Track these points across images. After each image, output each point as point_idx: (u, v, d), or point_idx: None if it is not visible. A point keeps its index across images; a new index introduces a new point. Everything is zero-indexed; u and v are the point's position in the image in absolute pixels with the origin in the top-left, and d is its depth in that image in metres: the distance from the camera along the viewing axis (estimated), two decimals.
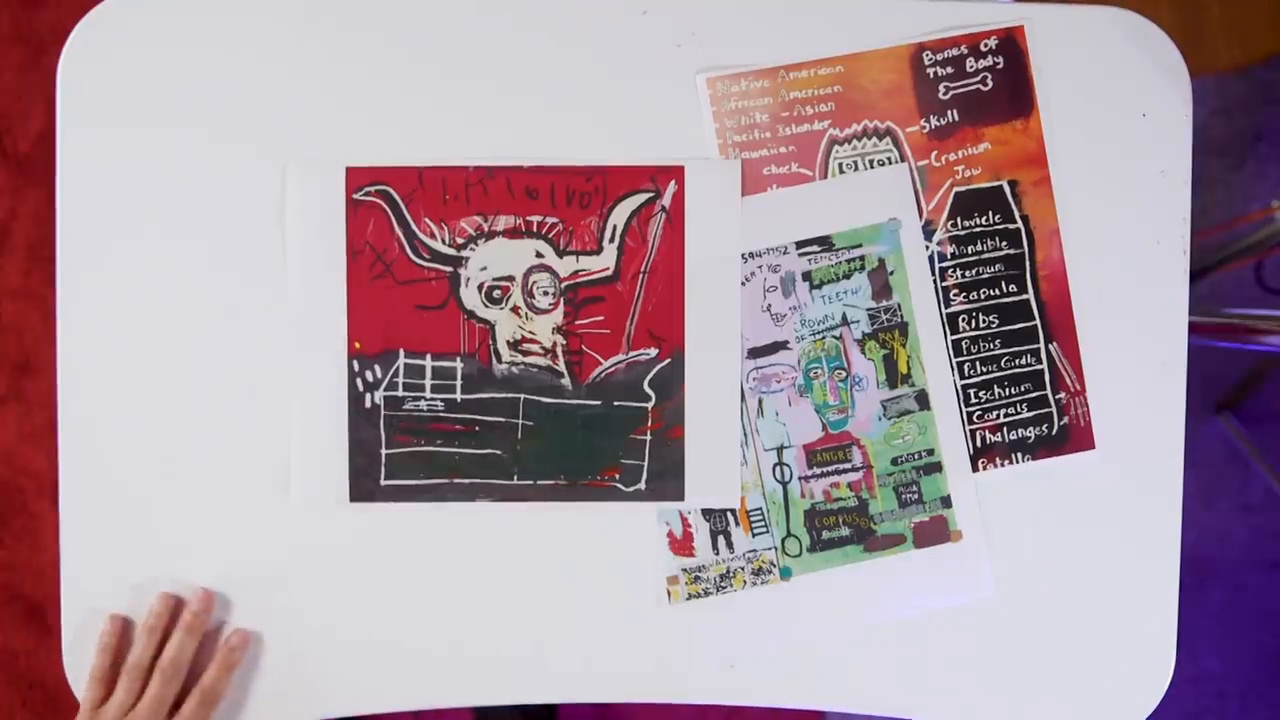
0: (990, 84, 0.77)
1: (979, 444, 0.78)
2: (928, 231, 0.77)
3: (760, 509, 0.78)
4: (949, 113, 0.77)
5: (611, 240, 0.76)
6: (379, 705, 0.78)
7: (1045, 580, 0.78)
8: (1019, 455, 0.78)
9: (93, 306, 0.76)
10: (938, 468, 0.78)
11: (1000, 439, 0.78)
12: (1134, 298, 0.77)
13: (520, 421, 0.77)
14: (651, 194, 0.76)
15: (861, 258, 0.77)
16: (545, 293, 0.76)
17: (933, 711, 0.79)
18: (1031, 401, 0.78)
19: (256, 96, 0.75)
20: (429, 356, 0.76)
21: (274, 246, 0.75)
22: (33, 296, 1.48)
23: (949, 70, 0.76)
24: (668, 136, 0.76)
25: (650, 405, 0.77)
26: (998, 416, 0.78)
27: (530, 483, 0.77)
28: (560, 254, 0.76)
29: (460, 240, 0.76)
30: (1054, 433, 0.78)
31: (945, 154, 0.77)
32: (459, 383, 0.76)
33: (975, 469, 0.78)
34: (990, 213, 0.77)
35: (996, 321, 0.78)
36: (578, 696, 0.79)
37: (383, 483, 0.77)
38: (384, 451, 0.76)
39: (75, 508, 0.77)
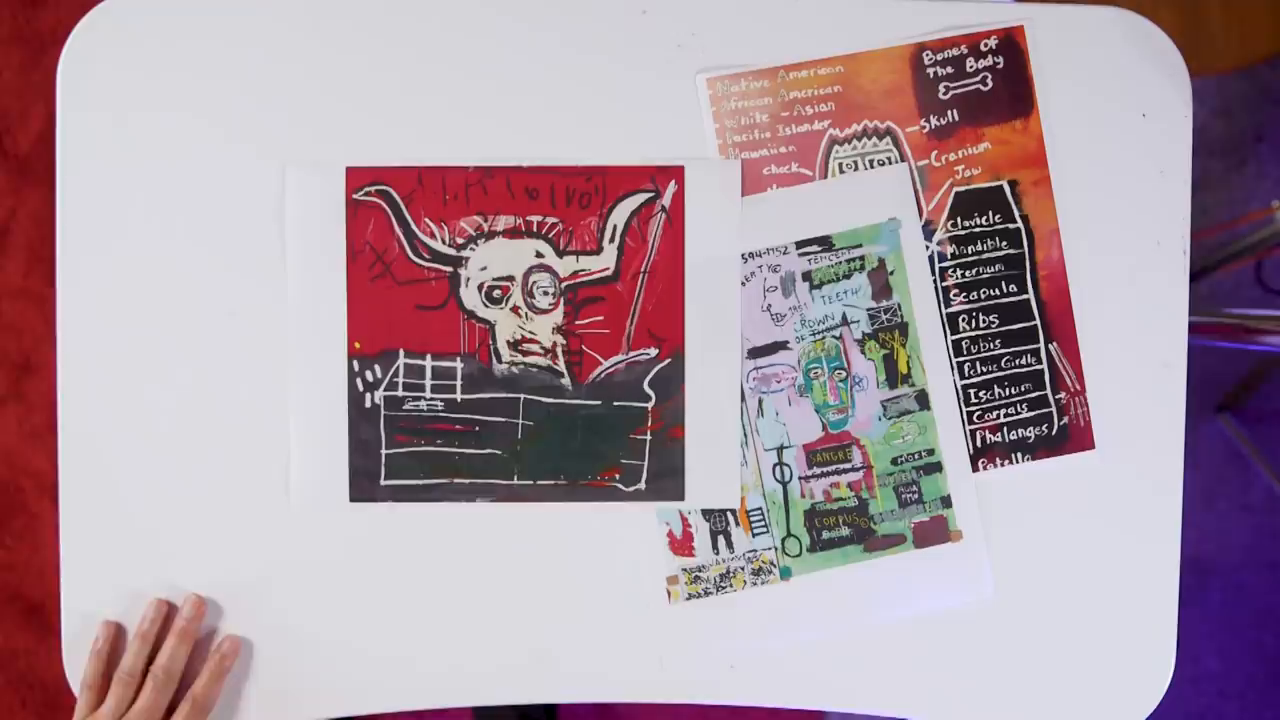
0: (990, 84, 0.77)
1: (979, 444, 0.78)
2: (928, 231, 0.77)
3: (760, 509, 0.78)
4: (949, 113, 0.77)
5: (611, 240, 0.76)
6: (379, 705, 0.78)
7: (1045, 580, 0.78)
8: (1019, 455, 0.78)
9: (93, 306, 0.76)
10: (938, 468, 0.78)
11: (1000, 439, 0.78)
12: (1134, 298, 0.77)
13: (520, 421, 0.77)
14: (651, 194, 0.76)
15: (861, 258, 0.77)
16: (545, 293, 0.76)
17: (933, 711, 0.79)
18: (1031, 401, 0.78)
19: (256, 96, 0.75)
20: (429, 356, 0.76)
21: (274, 246, 0.75)
22: (33, 296, 1.48)
23: (949, 70, 0.76)
24: (668, 136, 0.76)
25: (650, 405, 0.77)
26: (998, 416, 0.78)
27: (530, 483, 0.77)
28: (560, 254, 0.76)
29: (460, 240, 0.76)
30: (1054, 433, 0.78)
31: (945, 154, 0.77)
32: (459, 383, 0.76)
33: (975, 469, 0.78)
34: (990, 213, 0.77)
35: (996, 321, 0.78)
36: (578, 696, 0.79)
37: (383, 483, 0.77)
38: (384, 451, 0.76)
39: (75, 508, 0.77)
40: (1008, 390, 0.78)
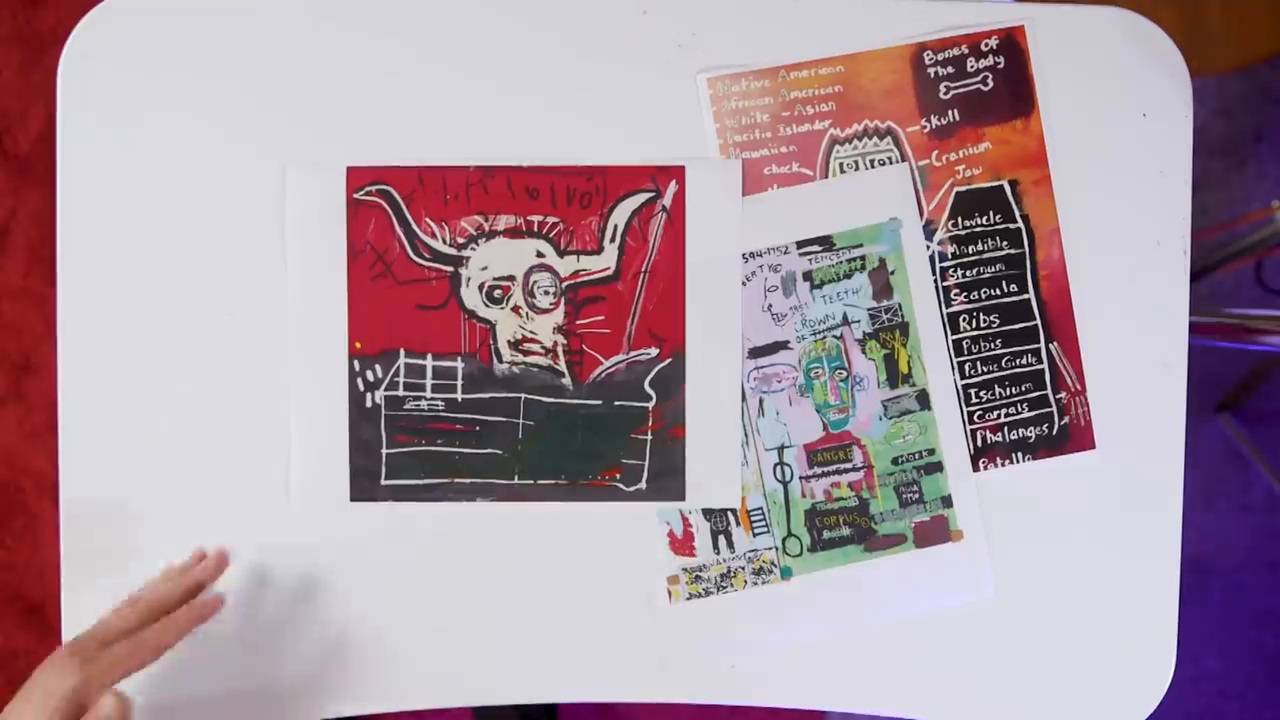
0: (991, 84, 0.77)
1: (979, 444, 0.78)
2: (928, 231, 0.77)
3: (761, 509, 0.78)
4: (950, 112, 0.77)
5: (612, 240, 0.76)
6: (379, 705, 0.78)
7: (1045, 580, 0.78)
8: (1019, 455, 0.78)
9: (93, 306, 0.76)
10: (938, 467, 0.78)
11: (1001, 439, 0.78)
12: (1134, 298, 0.77)
13: (521, 421, 0.77)
14: (652, 194, 0.76)
15: (862, 257, 0.77)
16: (546, 292, 0.76)
17: (933, 711, 0.79)
18: (1032, 401, 0.78)
19: (257, 96, 0.75)
20: (430, 356, 0.76)
21: (274, 246, 0.75)
22: (33, 296, 1.48)
23: (950, 70, 0.76)
24: (668, 136, 0.76)
25: (651, 405, 0.77)
26: (998, 416, 0.78)
27: (531, 482, 0.77)
28: (561, 254, 0.76)
29: (461, 240, 0.76)
30: (1054, 432, 0.78)
31: (946, 154, 0.77)
32: (460, 382, 0.76)
33: (976, 469, 0.78)
34: (991, 212, 0.77)
35: (997, 321, 0.78)
36: (578, 696, 0.79)
37: (383, 482, 0.77)
38: (384, 451, 0.76)
39: (75, 508, 0.76)
40: (1008, 390, 0.78)
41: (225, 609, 0.76)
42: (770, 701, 0.79)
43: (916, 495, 0.78)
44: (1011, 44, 0.77)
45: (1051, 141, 0.77)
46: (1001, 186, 0.77)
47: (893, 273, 0.77)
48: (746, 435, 0.77)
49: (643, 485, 0.77)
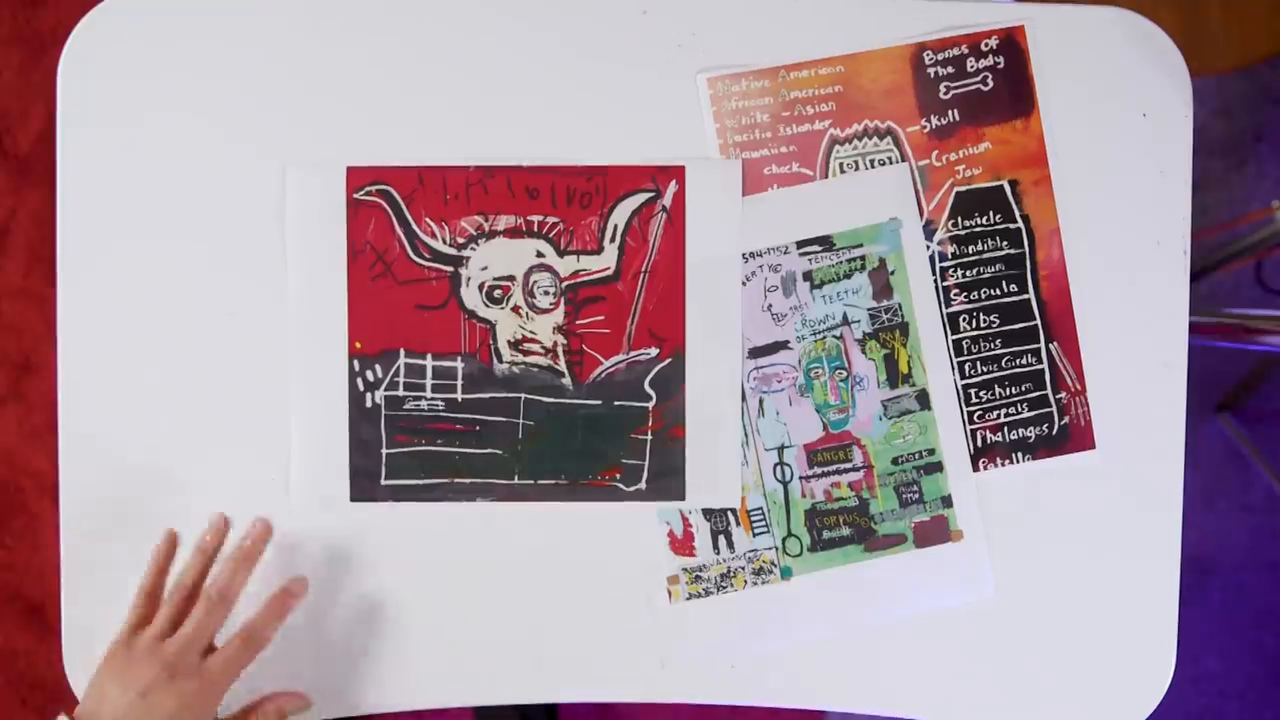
0: (991, 84, 0.77)
1: (979, 444, 0.78)
2: (928, 231, 0.77)
3: (761, 509, 0.78)
4: (950, 112, 0.77)
5: (612, 240, 0.76)
6: (379, 705, 0.78)
7: (1045, 580, 0.78)
8: (1019, 455, 0.78)
9: (93, 306, 0.76)
10: (938, 467, 0.78)
11: (1001, 439, 0.78)
12: (1134, 298, 0.77)
13: (521, 421, 0.77)
14: (652, 194, 0.76)
15: (862, 257, 0.77)
16: (546, 292, 0.76)
17: (933, 711, 0.79)
18: (1032, 401, 0.78)
19: (257, 96, 0.75)
20: (430, 356, 0.76)
21: (274, 246, 0.75)
22: (33, 296, 1.48)
23: (950, 70, 0.76)
24: (668, 136, 0.76)
25: (651, 405, 0.77)
26: (998, 416, 0.78)
27: (531, 483, 0.77)
28: (561, 254, 0.76)
29: (461, 240, 0.76)
30: (1054, 433, 0.78)
31: (946, 154, 0.77)
32: (460, 382, 0.76)
33: (976, 469, 0.78)
34: (991, 212, 0.77)
35: (997, 321, 0.78)
36: (578, 696, 0.79)
37: (383, 483, 0.77)
38: (384, 451, 0.76)
39: (75, 508, 0.76)
40: (1008, 390, 0.78)
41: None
42: (770, 701, 0.79)
43: (916, 495, 0.78)
44: (1011, 44, 0.77)
45: (1051, 141, 0.77)
46: (1001, 186, 0.77)
47: (893, 273, 0.77)
48: (746, 435, 0.77)
49: (643, 485, 0.77)
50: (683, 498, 0.77)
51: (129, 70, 0.75)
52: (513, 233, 0.76)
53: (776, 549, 0.78)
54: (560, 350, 0.76)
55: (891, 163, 0.77)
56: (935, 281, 0.77)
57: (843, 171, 0.76)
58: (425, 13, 0.75)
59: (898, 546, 0.78)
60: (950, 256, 0.77)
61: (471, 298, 0.76)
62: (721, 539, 0.78)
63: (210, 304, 0.76)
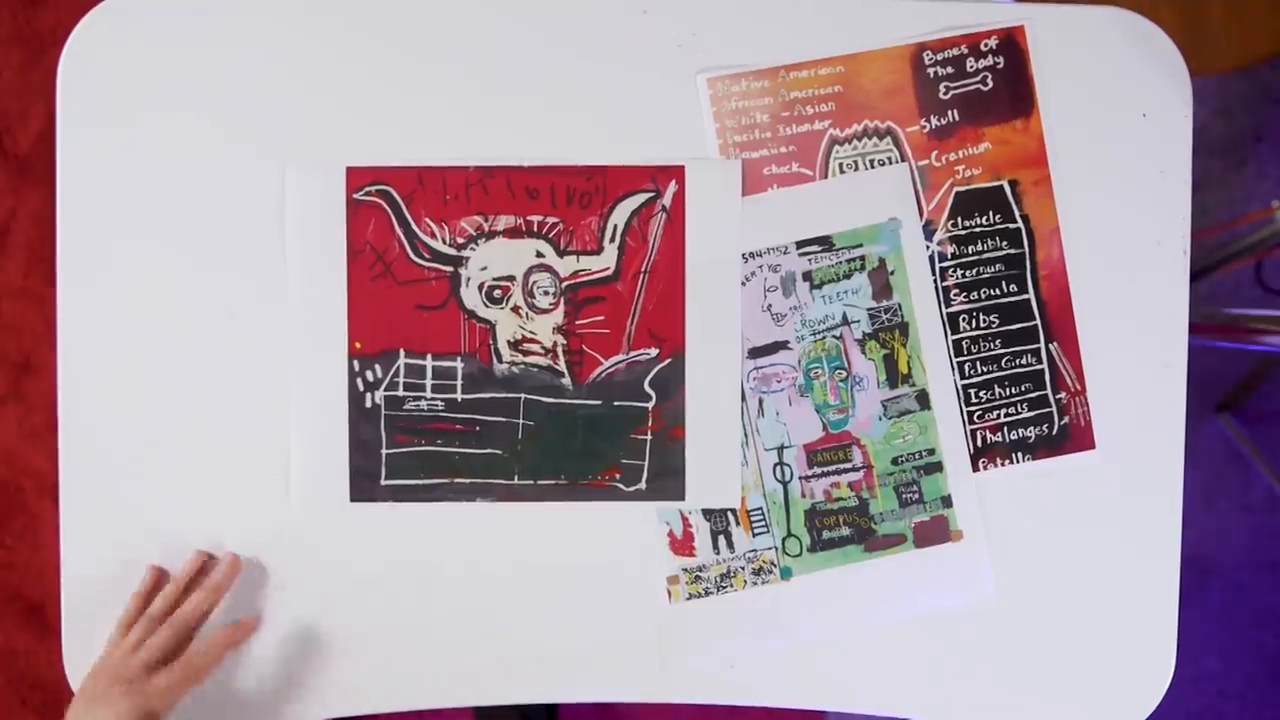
0: (990, 84, 0.77)
1: (979, 444, 0.78)
2: (928, 231, 0.77)
3: (761, 509, 0.78)
4: (949, 112, 0.77)
5: (612, 240, 0.76)
6: (379, 705, 0.78)
7: (1045, 580, 0.78)
8: (1019, 455, 0.78)
9: (93, 306, 0.76)
10: (938, 467, 0.78)
11: (1000, 439, 0.78)
12: (1134, 298, 0.77)
13: (521, 421, 0.77)
14: (652, 194, 0.76)
15: (862, 257, 0.77)
16: (546, 292, 0.76)
17: (933, 711, 0.79)
18: (1032, 401, 0.78)
19: (256, 96, 0.75)
20: (429, 356, 0.76)
21: (274, 246, 0.75)
22: (33, 296, 1.48)
23: (949, 70, 0.76)
24: (668, 136, 0.76)
25: (650, 405, 0.77)
26: (998, 416, 0.78)
27: (531, 483, 0.77)
28: (561, 254, 0.76)
29: (460, 240, 0.76)
30: (1054, 433, 0.78)
31: (946, 154, 0.77)
32: (459, 382, 0.76)
33: (976, 469, 0.78)
34: (990, 212, 0.77)
35: (997, 321, 0.78)
36: (578, 696, 0.79)
37: (383, 483, 0.77)
38: (384, 451, 0.76)
39: (75, 508, 0.76)
40: (1008, 390, 0.78)
41: (224, 608, 0.77)
42: (770, 701, 0.79)
43: (916, 495, 0.78)
44: (1011, 44, 0.77)
45: (1051, 141, 0.77)
46: (1001, 186, 0.77)
47: (892, 273, 0.77)
48: (746, 435, 0.77)
49: (643, 485, 0.77)
50: (683, 498, 0.77)
51: (129, 70, 0.75)
52: (512, 233, 0.76)
53: (776, 549, 0.78)
54: (560, 350, 0.76)
55: (891, 163, 0.77)
56: (935, 281, 0.77)
57: (842, 171, 0.76)
58: (425, 13, 0.75)
59: (898, 546, 0.78)
60: (950, 256, 0.77)
61: (471, 298, 0.76)
62: (721, 539, 0.78)
63: (210, 304, 0.76)
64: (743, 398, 0.77)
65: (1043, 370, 0.78)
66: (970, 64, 0.77)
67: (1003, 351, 0.78)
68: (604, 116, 0.76)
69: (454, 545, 0.77)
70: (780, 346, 0.77)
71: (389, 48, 0.75)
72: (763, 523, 0.78)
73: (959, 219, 0.77)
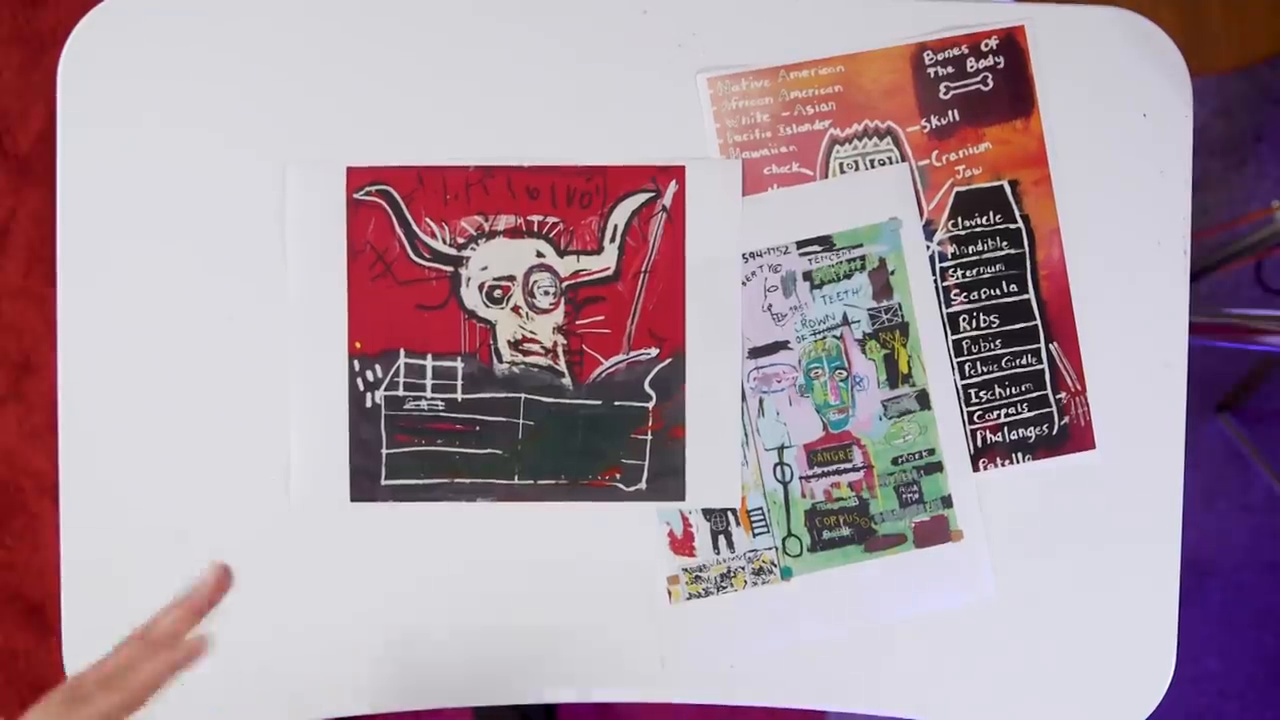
0: (991, 84, 0.77)
1: (979, 444, 0.78)
2: (928, 231, 0.77)
3: (761, 509, 0.78)
4: (950, 112, 0.77)
5: (612, 240, 0.76)
6: (379, 705, 0.78)
7: (1045, 580, 0.78)
8: (1019, 455, 0.78)
9: (93, 306, 0.76)
10: (938, 467, 0.78)
11: (1001, 439, 0.78)
12: (1134, 298, 0.77)
13: (521, 421, 0.77)
14: (652, 194, 0.76)
15: (862, 257, 0.77)
16: (546, 292, 0.76)
17: (933, 711, 0.79)
18: (1032, 401, 0.78)
19: (256, 97, 0.75)
20: (430, 356, 0.76)
21: (274, 246, 0.75)
22: (33, 296, 1.48)
23: (950, 70, 0.76)
24: (668, 136, 0.76)
25: (651, 405, 0.77)
26: (998, 416, 0.78)
27: (531, 483, 0.77)
28: (561, 254, 0.76)
29: (461, 240, 0.76)
30: (1054, 433, 0.78)
31: (946, 154, 0.77)
32: (460, 382, 0.76)
33: (976, 469, 0.78)
34: (991, 212, 0.77)
35: (997, 321, 0.78)
36: (578, 696, 0.79)
37: (383, 482, 0.77)
38: (384, 451, 0.76)
39: (75, 508, 0.76)
40: (1008, 390, 0.78)
41: (225, 609, 0.76)
42: (770, 701, 0.79)
43: (916, 495, 0.78)
44: (1011, 44, 0.77)
45: (1051, 141, 0.77)
46: (1001, 186, 0.77)
47: (893, 273, 0.77)
48: (746, 435, 0.77)
49: (643, 485, 0.77)
50: (683, 498, 0.77)
51: (129, 70, 0.75)
52: (513, 233, 0.76)
53: (776, 549, 0.78)
54: (560, 350, 0.76)
55: (891, 163, 0.77)
56: (935, 281, 0.77)
57: (843, 171, 0.76)
58: (425, 13, 0.75)
59: (898, 546, 0.78)
60: (950, 256, 0.77)
61: (471, 298, 0.76)
62: (721, 539, 0.78)
63: (210, 304, 0.76)
64: (743, 398, 0.77)
65: (1043, 370, 0.78)
66: (970, 64, 0.77)
67: (1003, 351, 0.78)
68: (604, 116, 0.76)
69: (454, 545, 0.77)
70: (780, 346, 0.77)
71: (389, 48, 0.75)
72: (763, 523, 0.78)
73: (959, 219, 0.77)
